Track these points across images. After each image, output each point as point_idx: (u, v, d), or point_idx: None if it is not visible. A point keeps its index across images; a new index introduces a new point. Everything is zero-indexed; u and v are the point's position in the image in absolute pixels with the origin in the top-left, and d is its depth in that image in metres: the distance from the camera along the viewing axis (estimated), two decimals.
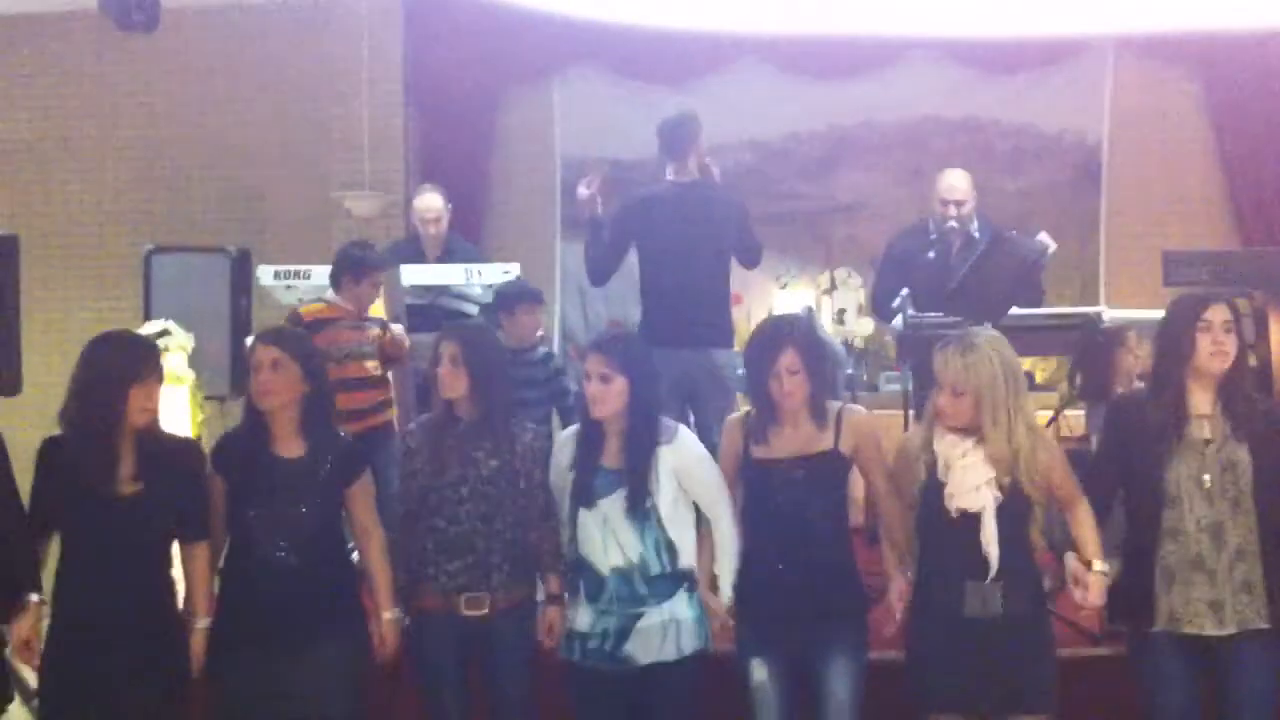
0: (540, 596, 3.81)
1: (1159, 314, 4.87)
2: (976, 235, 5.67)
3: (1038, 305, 5.62)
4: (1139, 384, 4.98)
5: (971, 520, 3.44)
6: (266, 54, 8.59)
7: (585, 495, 3.69)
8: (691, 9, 7.96)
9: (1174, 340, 3.55)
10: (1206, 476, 3.45)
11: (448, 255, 6.28)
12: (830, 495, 3.67)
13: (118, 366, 3.53)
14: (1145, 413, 3.55)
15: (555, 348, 7.43)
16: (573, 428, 3.87)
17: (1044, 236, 5.32)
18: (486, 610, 3.70)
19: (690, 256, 5.19)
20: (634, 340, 3.95)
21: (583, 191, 5.34)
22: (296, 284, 5.89)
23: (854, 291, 7.59)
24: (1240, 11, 7.39)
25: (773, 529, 3.66)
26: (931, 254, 5.58)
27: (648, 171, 8.42)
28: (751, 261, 5.55)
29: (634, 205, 5.41)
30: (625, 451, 3.68)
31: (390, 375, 5.45)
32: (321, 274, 5.91)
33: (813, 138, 8.35)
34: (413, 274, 5.79)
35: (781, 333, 3.71)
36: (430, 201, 6.37)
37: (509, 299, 5.43)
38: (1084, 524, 3.57)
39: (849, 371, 6.11)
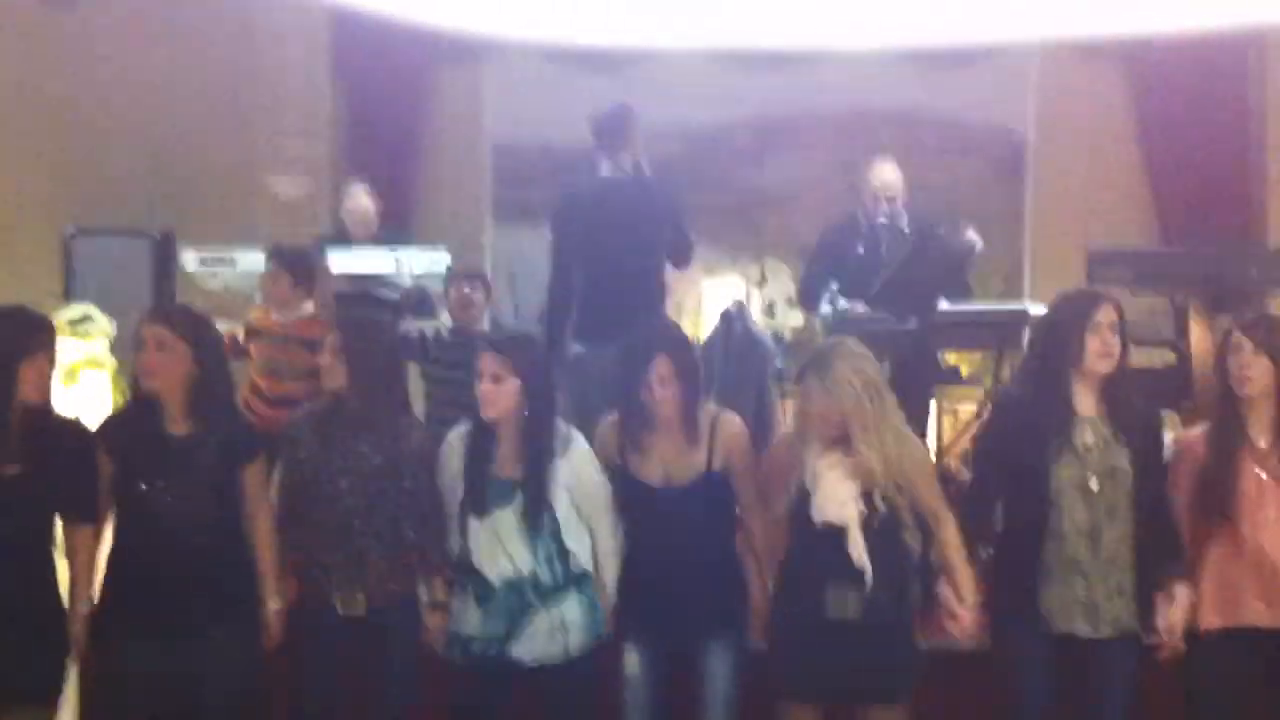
0: (425, 599, 3.73)
1: None
2: (906, 230, 5.72)
3: (965, 301, 5.69)
4: None
5: (837, 531, 3.46)
6: (190, 31, 8.38)
7: (477, 504, 3.61)
8: None
9: (1061, 340, 3.53)
10: (1093, 480, 3.47)
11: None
12: (711, 514, 3.66)
13: (6, 342, 3.44)
14: (1029, 411, 3.55)
15: None
16: (461, 428, 3.76)
17: (972, 233, 5.39)
18: (362, 610, 3.64)
19: (624, 253, 5.13)
20: (531, 340, 3.88)
21: None
22: (221, 271, 5.80)
23: (784, 283, 7.60)
24: (1165, 14, 7.51)
25: (648, 549, 3.66)
26: (861, 248, 5.62)
27: (579, 159, 8.42)
28: (682, 261, 5.48)
29: (569, 203, 5.36)
30: (522, 462, 3.61)
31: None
32: (247, 260, 5.83)
33: (743, 127, 8.35)
34: (340, 261, 5.71)
35: (654, 339, 3.69)
36: (361, 202, 6.30)
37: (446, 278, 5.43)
38: (952, 548, 3.57)
39: (778, 365, 6.12)
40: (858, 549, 3.42)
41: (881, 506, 3.45)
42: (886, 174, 5.76)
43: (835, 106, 8.27)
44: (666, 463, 3.65)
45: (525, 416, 3.60)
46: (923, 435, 4.85)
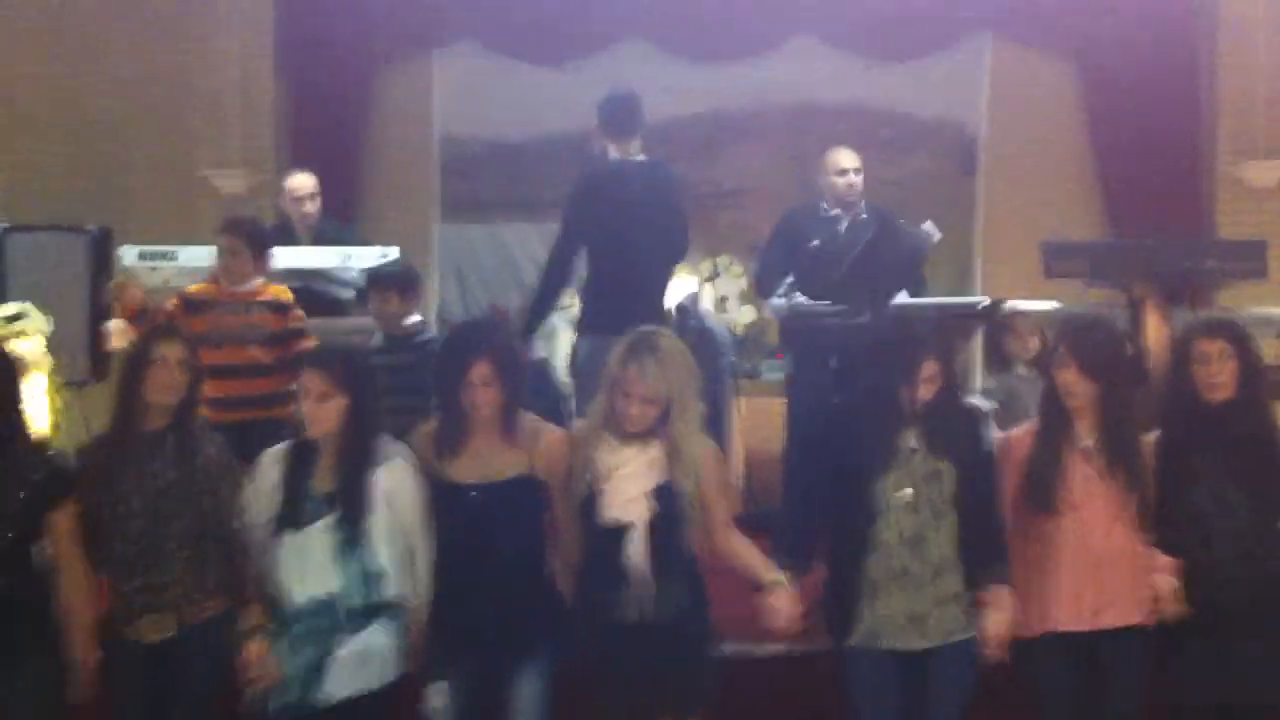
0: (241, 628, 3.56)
1: (1047, 304, 5.02)
2: (864, 218, 5.68)
3: (919, 294, 5.65)
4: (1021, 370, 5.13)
5: (625, 529, 3.41)
6: (130, 23, 8.24)
7: (292, 519, 3.49)
8: None
9: (896, 367, 3.54)
10: (909, 489, 3.47)
11: (320, 241, 6.07)
12: (520, 520, 3.56)
13: None
14: (858, 424, 3.56)
15: (434, 332, 7.25)
16: (280, 445, 3.63)
17: (929, 225, 5.35)
18: (173, 632, 3.51)
19: (640, 240, 4.99)
20: (355, 355, 3.78)
21: None
22: (162, 265, 5.65)
23: (736, 278, 7.56)
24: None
25: (460, 552, 3.54)
26: (817, 240, 5.56)
27: (529, 153, 8.35)
28: (679, 254, 5.33)
29: (587, 186, 5.16)
30: (338, 473, 3.50)
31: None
32: (189, 255, 5.68)
33: (695, 121, 8.29)
34: (285, 257, 5.57)
35: (474, 340, 3.59)
36: (302, 180, 6.15)
37: (373, 281, 5.26)
38: (739, 546, 3.55)
39: (731, 359, 6.06)
40: (636, 548, 3.38)
41: (677, 495, 3.41)
42: (843, 154, 5.74)
43: (787, 101, 8.25)
44: (482, 465, 3.54)
45: (348, 429, 3.49)
46: None
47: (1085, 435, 3.60)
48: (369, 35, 8.16)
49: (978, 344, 6.01)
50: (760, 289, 5.98)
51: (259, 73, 8.06)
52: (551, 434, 3.60)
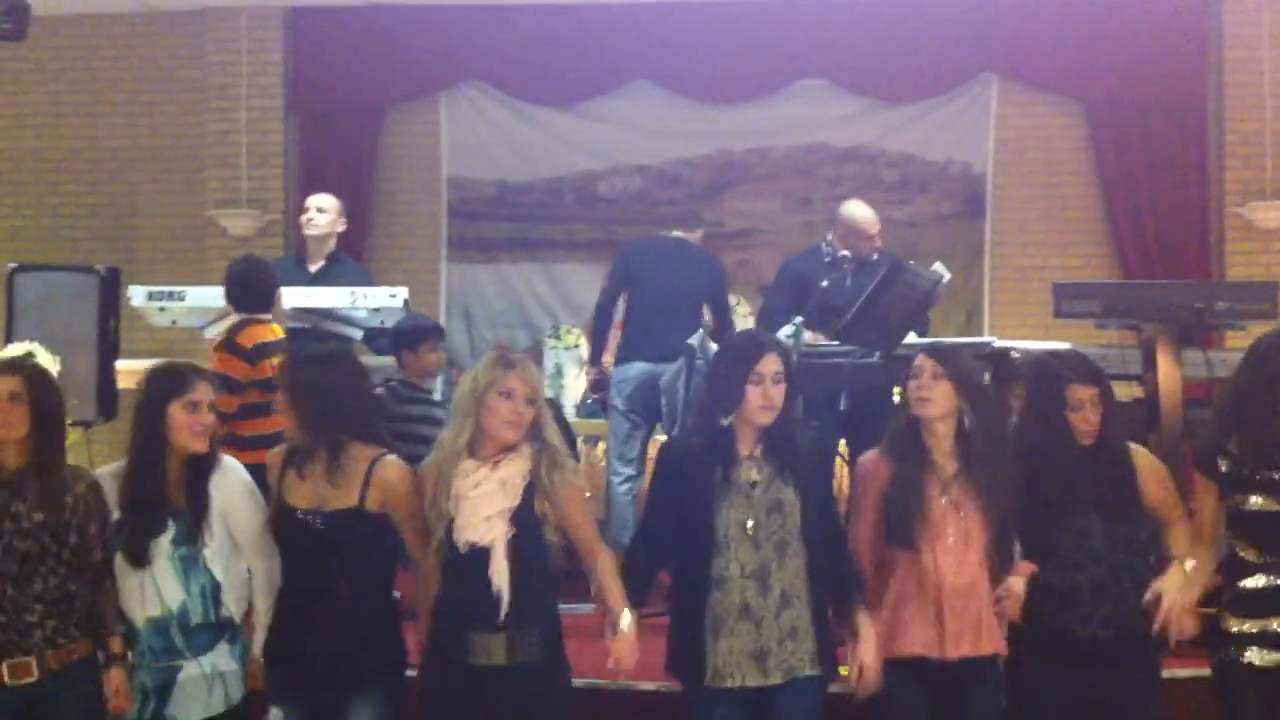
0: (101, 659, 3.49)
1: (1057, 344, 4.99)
2: (873, 260, 5.67)
3: (924, 335, 5.62)
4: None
5: (481, 556, 3.29)
6: (139, 64, 8.31)
7: (133, 540, 3.43)
8: (582, 29, 7.96)
9: (725, 386, 3.45)
10: (750, 521, 3.37)
11: (332, 266, 6.03)
12: (352, 553, 3.46)
13: None
14: (694, 457, 3.46)
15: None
16: (115, 465, 3.56)
17: (939, 266, 5.33)
18: (35, 676, 3.38)
19: (670, 290, 5.97)
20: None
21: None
22: (170, 306, 5.63)
23: (743, 319, 7.53)
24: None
25: (296, 577, 3.50)
26: (825, 282, 5.55)
27: (535, 194, 8.39)
28: (723, 326, 6.14)
29: (633, 250, 6.36)
30: (181, 491, 3.47)
31: None
32: (197, 295, 5.68)
33: (702, 163, 8.33)
34: (294, 296, 5.56)
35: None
36: (323, 199, 6.11)
37: (412, 336, 5.25)
38: (603, 574, 3.44)
39: None
40: (499, 572, 3.26)
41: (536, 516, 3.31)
42: (869, 218, 5.72)
43: (794, 142, 8.28)
44: (317, 492, 3.46)
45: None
46: None
47: (943, 461, 3.54)
48: (377, 77, 8.22)
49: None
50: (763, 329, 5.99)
51: (268, 115, 8.11)
52: (390, 467, 3.48)
